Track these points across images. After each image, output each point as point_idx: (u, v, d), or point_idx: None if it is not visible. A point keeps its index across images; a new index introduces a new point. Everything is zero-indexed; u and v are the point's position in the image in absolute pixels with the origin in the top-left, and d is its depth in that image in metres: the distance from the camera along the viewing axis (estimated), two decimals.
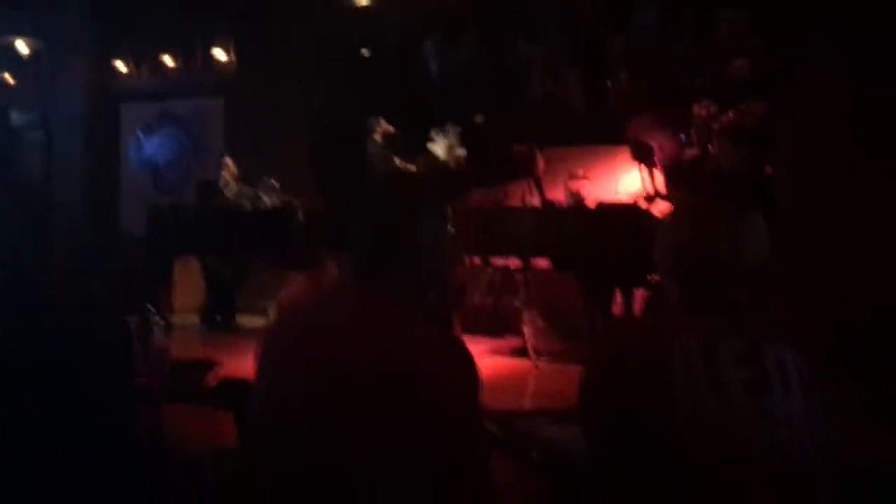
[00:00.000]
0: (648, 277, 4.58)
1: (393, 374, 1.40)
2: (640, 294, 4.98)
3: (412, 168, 7.42)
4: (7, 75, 9.64)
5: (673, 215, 1.79)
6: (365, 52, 8.10)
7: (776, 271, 1.64)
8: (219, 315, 6.21)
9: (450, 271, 1.70)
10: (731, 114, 5.43)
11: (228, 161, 6.54)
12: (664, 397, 1.41)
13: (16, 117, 9.83)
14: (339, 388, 1.41)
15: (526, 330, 4.78)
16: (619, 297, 4.84)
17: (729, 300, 1.54)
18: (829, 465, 1.46)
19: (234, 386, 2.94)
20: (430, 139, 7.73)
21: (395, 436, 1.38)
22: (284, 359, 1.53)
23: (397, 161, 7.32)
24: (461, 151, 7.56)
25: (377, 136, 7.19)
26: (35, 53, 9.34)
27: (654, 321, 1.57)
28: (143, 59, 8.96)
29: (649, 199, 5.54)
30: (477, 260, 5.98)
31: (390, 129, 7.31)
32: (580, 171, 5.12)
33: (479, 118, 7.59)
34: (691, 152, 5.65)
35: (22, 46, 9.24)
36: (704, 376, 1.41)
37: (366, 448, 1.38)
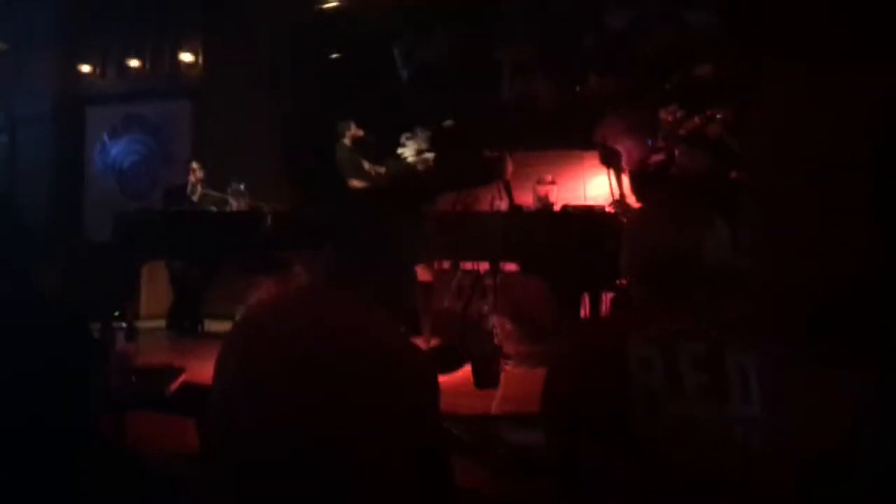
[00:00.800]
0: (616, 282, 4.62)
1: (351, 374, 1.39)
2: (608, 298, 5.02)
3: (381, 171, 7.42)
4: None
5: (636, 216, 1.82)
6: (334, 54, 8.07)
7: (736, 273, 1.66)
8: (186, 320, 6.15)
9: (414, 276, 1.70)
10: (696, 119, 5.50)
11: (195, 165, 6.47)
12: (623, 398, 1.43)
13: None
14: (294, 389, 1.41)
15: (495, 333, 4.80)
16: (587, 301, 4.88)
17: (689, 301, 1.56)
18: (788, 469, 1.48)
19: (195, 391, 2.92)
20: (400, 143, 7.74)
21: (352, 437, 1.38)
22: (243, 358, 1.53)
23: (366, 165, 7.31)
24: (430, 155, 7.57)
25: (346, 140, 7.17)
26: None
27: (614, 322, 1.59)
28: (110, 61, 8.85)
29: (617, 203, 5.60)
30: (446, 264, 5.99)
31: (360, 132, 7.30)
32: (548, 176, 5.16)
33: (448, 122, 7.60)
34: (658, 157, 5.72)
35: None
36: (663, 378, 1.43)
37: (322, 449, 1.38)
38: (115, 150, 8.79)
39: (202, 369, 2.92)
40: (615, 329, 1.57)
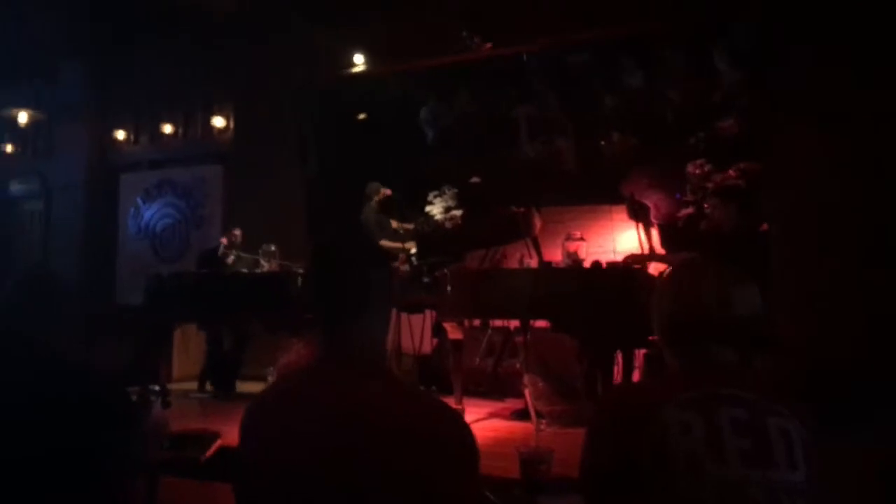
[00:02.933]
0: (648, 338, 4.57)
1: (369, 446, 1.37)
2: (640, 353, 4.97)
3: (409, 228, 7.48)
4: (8, 146, 9.77)
5: (666, 275, 1.81)
6: (360, 117, 8.22)
7: (767, 332, 1.64)
8: (218, 383, 6.17)
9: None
10: (726, 172, 5.50)
11: (237, 231, 6.58)
12: (663, 464, 1.40)
13: (16, 188, 9.93)
14: (323, 465, 1.39)
15: (527, 392, 4.74)
16: (619, 358, 4.83)
17: (723, 363, 1.54)
18: None
19: (230, 456, 2.92)
20: (428, 201, 7.82)
21: None
22: (263, 436, 1.52)
23: (394, 224, 7.38)
24: (458, 212, 7.63)
25: (374, 202, 7.26)
26: (35, 124, 9.48)
27: (652, 387, 1.57)
28: (143, 128, 9.09)
29: (646, 258, 5.58)
30: (476, 322, 5.98)
31: (388, 192, 7.39)
32: (577, 233, 5.15)
33: (474, 179, 7.68)
34: (687, 211, 5.70)
35: (23, 117, 9.38)
36: (704, 443, 1.40)
37: None
38: (148, 213, 8.96)
39: (237, 433, 2.92)
40: (652, 394, 1.55)
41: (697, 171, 5.77)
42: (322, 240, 1.77)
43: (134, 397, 2.66)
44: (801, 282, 4.61)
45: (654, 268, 5.31)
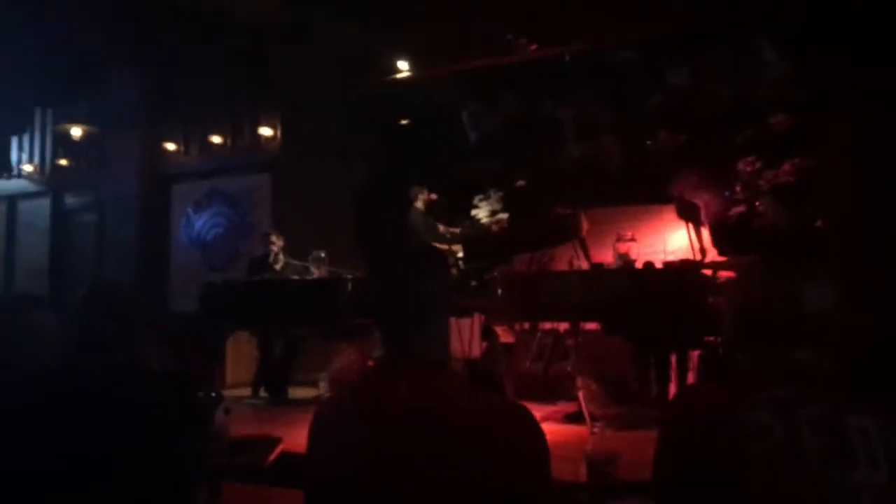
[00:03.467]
0: (703, 338, 4.51)
1: (450, 446, 1.38)
2: (694, 355, 4.90)
3: (456, 232, 7.50)
4: (63, 160, 10.03)
5: (740, 277, 1.80)
6: (403, 121, 8.27)
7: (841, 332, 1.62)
8: (271, 389, 6.24)
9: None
10: (780, 169, 5.40)
11: (273, 236, 6.65)
12: (742, 466, 1.39)
13: (71, 201, 10.19)
14: (396, 466, 1.40)
15: (581, 395, 4.71)
16: (673, 360, 4.77)
17: (796, 362, 1.52)
18: None
19: (292, 460, 2.95)
20: (474, 204, 7.82)
21: None
22: (335, 441, 1.53)
23: (441, 227, 7.41)
24: (504, 216, 7.63)
25: (419, 205, 7.29)
26: (88, 138, 9.71)
27: (727, 388, 1.54)
28: (193, 139, 9.25)
29: (699, 265, 5.51)
30: (526, 325, 5.96)
31: (433, 196, 7.42)
32: (628, 233, 5.10)
33: (520, 182, 7.66)
34: (738, 209, 5.62)
35: (76, 132, 9.62)
36: (783, 444, 1.38)
37: None
38: (199, 223, 9.11)
39: (295, 438, 2.95)
40: (727, 395, 1.52)
41: (748, 169, 5.69)
42: (389, 248, 1.80)
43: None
44: (857, 278, 4.50)
45: (708, 269, 5.23)
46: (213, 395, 2.85)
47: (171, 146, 9.31)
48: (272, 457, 2.87)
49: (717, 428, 1.44)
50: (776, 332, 1.54)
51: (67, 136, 9.73)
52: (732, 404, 1.46)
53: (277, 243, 6.62)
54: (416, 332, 1.57)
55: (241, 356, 6.98)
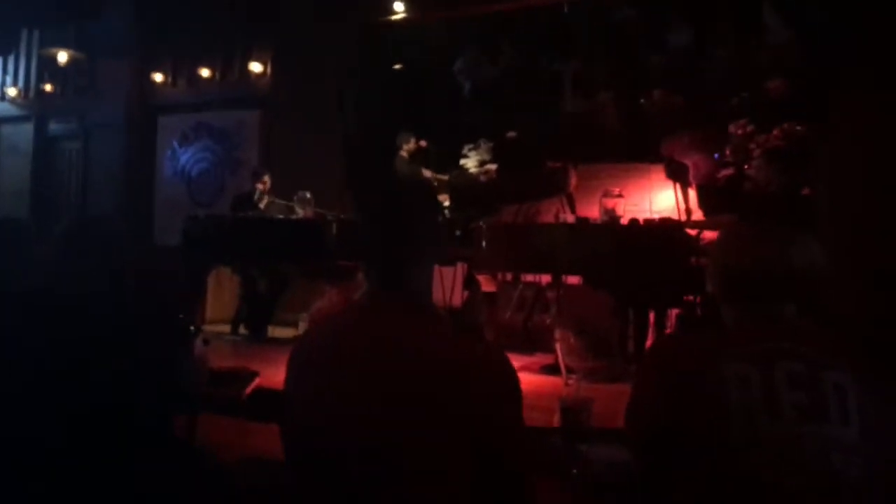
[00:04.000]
0: (683, 297, 4.55)
1: (424, 385, 1.39)
2: (673, 314, 4.94)
3: (443, 179, 7.46)
4: (48, 85, 9.84)
5: (725, 231, 1.80)
6: (397, 66, 8.16)
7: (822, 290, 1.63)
8: (252, 326, 6.25)
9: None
10: (771, 134, 5.39)
11: (266, 177, 6.59)
12: (719, 416, 1.40)
13: (55, 127, 10.03)
14: (369, 401, 1.41)
15: (558, 347, 4.75)
16: (652, 316, 4.81)
17: (781, 319, 1.54)
18: (886, 497, 1.42)
19: (268, 396, 2.97)
20: (463, 154, 7.77)
21: (432, 449, 1.38)
22: (312, 372, 1.54)
23: (428, 174, 7.36)
24: (493, 166, 7.59)
25: (404, 153, 7.23)
26: (75, 64, 9.50)
27: (707, 339, 1.56)
28: (181, 71, 9.09)
29: (683, 217, 5.52)
30: (508, 276, 5.97)
31: (423, 143, 7.35)
32: (616, 189, 5.09)
33: (511, 134, 7.61)
34: (727, 172, 5.62)
35: (62, 56, 9.42)
36: (761, 397, 1.40)
37: (402, 462, 1.38)
38: (184, 157, 9.01)
39: (273, 374, 2.97)
40: (707, 346, 1.54)
41: (740, 132, 5.67)
42: (389, 184, 1.79)
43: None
44: (846, 245, 4.54)
45: (693, 228, 5.25)
46: (192, 327, 2.86)
47: (158, 77, 9.14)
48: (249, 389, 2.89)
49: (696, 377, 1.45)
50: (763, 285, 1.55)
51: (53, 60, 9.51)
52: (714, 355, 1.47)
53: (266, 182, 6.57)
54: (406, 271, 1.56)
55: (222, 293, 6.97)
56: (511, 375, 1.48)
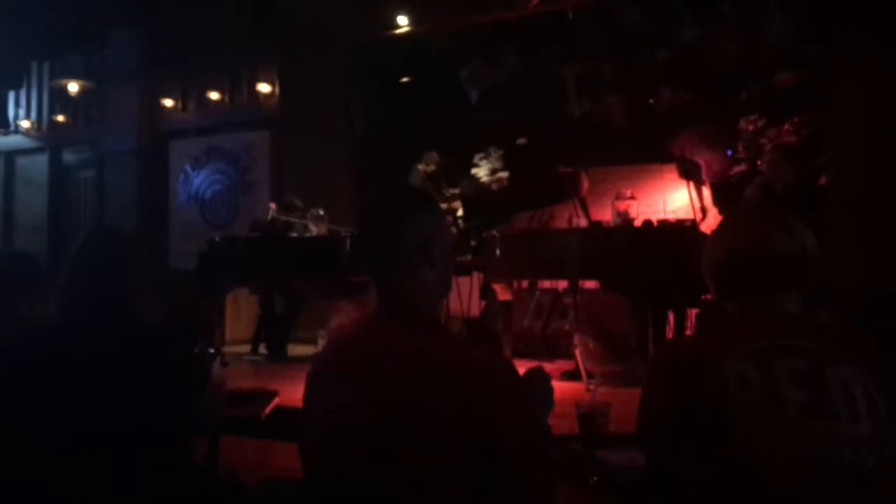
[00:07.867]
0: (701, 297, 4.50)
1: (422, 398, 1.38)
2: (693, 314, 4.90)
3: (455, 192, 7.45)
4: (60, 116, 9.95)
5: (725, 223, 1.78)
6: (403, 79, 8.17)
7: (824, 281, 1.60)
8: (271, 346, 6.27)
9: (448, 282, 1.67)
10: (783, 128, 5.35)
11: (273, 205, 6.62)
12: (721, 418, 1.39)
13: (69, 156, 10.14)
14: (365, 412, 1.41)
15: (577, 352, 4.72)
16: (671, 318, 4.77)
17: (782, 312, 1.51)
18: None
19: (288, 414, 2.96)
20: (474, 163, 7.77)
21: (431, 457, 1.37)
22: (322, 387, 1.54)
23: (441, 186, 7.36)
24: (504, 174, 7.58)
25: (422, 166, 7.24)
26: (85, 93, 9.61)
27: (711, 339, 1.54)
28: (191, 95, 9.17)
29: (698, 216, 5.48)
30: (524, 284, 5.95)
31: (434, 156, 7.36)
32: (628, 191, 5.06)
33: (521, 140, 7.60)
34: (739, 168, 5.58)
35: (73, 87, 9.53)
36: (760, 398, 1.38)
37: (417, 475, 1.37)
38: (197, 180, 9.08)
39: (293, 392, 2.96)
40: (711, 345, 1.52)
41: (751, 127, 5.64)
42: (375, 193, 1.77)
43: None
44: (859, 235, 4.49)
45: (706, 226, 5.21)
46: (211, 350, 2.86)
47: (168, 102, 9.23)
48: (268, 410, 2.89)
49: (700, 377, 1.43)
50: (762, 273, 1.54)
51: (64, 91, 9.63)
52: (716, 355, 1.45)
53: (279, 201, 6.61)
54: (398, 283, 1.55)
55: (240, 314, 7.01)
56: (509, 378, 1.47)
